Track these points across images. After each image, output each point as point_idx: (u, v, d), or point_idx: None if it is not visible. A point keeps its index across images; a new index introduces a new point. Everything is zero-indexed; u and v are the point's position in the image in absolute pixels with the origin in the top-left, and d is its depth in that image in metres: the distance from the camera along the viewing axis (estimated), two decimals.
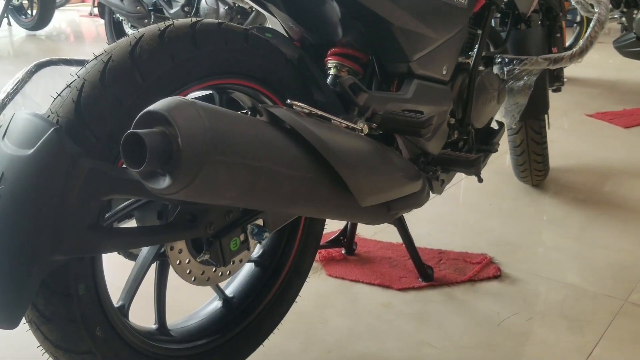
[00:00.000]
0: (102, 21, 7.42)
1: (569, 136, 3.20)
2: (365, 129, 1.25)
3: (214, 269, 1.26)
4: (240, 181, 0.92)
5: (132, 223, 1.22)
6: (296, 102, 1.08)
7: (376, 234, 2.12)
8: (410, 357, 1.52)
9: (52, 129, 0.95)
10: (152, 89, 1.06)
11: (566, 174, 2.68)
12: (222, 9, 3.75)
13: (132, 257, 1.29)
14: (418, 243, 1.89)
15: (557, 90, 2.36)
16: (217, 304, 1.41)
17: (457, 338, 1.59)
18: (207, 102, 0.95)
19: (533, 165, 2.36)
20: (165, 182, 0.86)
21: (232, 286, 1.44)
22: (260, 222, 1.22)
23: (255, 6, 1.47)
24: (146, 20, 4.05)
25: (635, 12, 3.73)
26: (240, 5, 3.72)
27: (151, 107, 0.87)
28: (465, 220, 2.27)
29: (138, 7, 4.04)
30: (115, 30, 4.61)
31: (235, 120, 0.93)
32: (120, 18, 4.47)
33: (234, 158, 0.90)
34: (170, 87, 1.09)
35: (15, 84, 1.24)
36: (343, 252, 1.98)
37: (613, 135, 3.22)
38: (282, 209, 1.08)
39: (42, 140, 0.95)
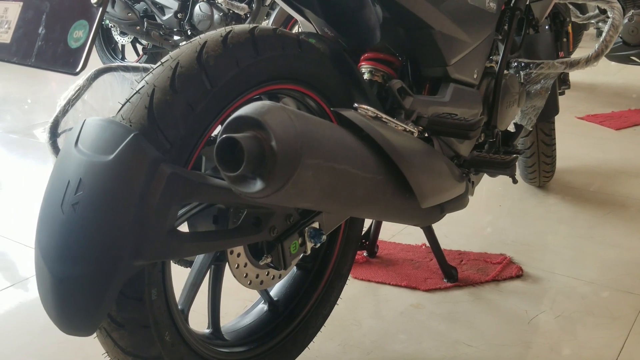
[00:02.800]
0: None
1: (564, 138, 3.27)
2: (416, 132, 1.27)
3: (267, 273, 1.27)
4: (323, 184, 0.94)
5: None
6: (363, 106, 1.10)
7: (394, 236, 2.15)
8: (448, 356, 1.54)
9: (132, 134, 0.95)
10: (220, 94, 1.07)
11: (567, 175, 2.74)
12: (217, 15, 3.75)
13: (183, 263, 1.29)
14: None
15: (562, 93, 2.42)
16: (263, 307, 1.42)
17: (490, 337, 1.62)
18: None
19: (542, 167, 2.41)
20: (257, 186, 0.87)
21: (275, 289, 1.45)
22: (316, 224, 1.23)
23: (290, 11, 1.49)
24: (138, 27, 4.03)
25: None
26: (236, 11, 3.73)
27: (242, 112, 0.88)
28: (477, 221, 2.30)
29: (129, 14, 4.01)
30: (103, 37, 4.57)
31: (319, 123, 0.95)
32: (110, 25, 4.44)
33: (321, 161, 0.91)
34: (235, 93, 1.10)
35: (76, 91, 1.24)
36: (365, 254, 2.00)
37: (606, 137, 3.30)
38: (351, 211, 1.09)
39: (122, 145, 0.95)
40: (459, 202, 1.36)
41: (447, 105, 1.46)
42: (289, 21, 3.67)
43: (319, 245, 1.23)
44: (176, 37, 4.08)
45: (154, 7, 4.02)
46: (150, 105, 1.02)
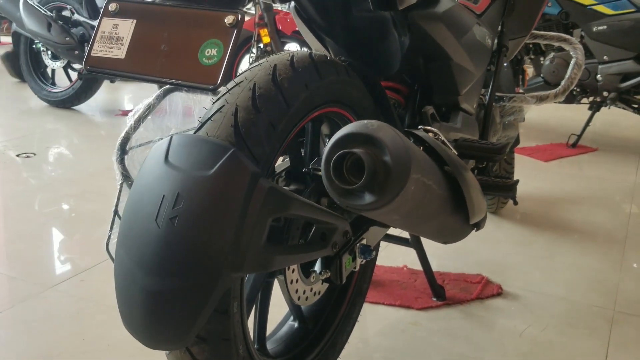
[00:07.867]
0: None
1: None
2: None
3: (310, 289, 1.32)
4: (416, 198, 1.01)
5: None
6: (426, 127, 1.18)
7: None
8: None
9: (232, 150, 0.99)
10: (295, 115, 1.12)
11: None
12: None
13: None
14: (414, 266, 2.02)
15: None
16: (293, 324, 1.45)
17: (491, 350, 1.72)
18: None
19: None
20: (366, 199, 0.93)
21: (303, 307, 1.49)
22: (364, 241, 1.29)
23: (310, 39, 1.56)
24: (76, 52, 3.93)
25: (542, 58, 4.15)
26: None
27: (352, 130, 0.94)
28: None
29: (67, 38, 3.91)
30: (32, 60, 4.42)
31: (409, 141, 1.02)
32: (41, 48, 4.31)
33: (420, 176, 0.98)
34: (302, 114, 1.16)
35: (146, 109, 1.24)
36: None
37: (538, 168, 3.55)
38: (420, 226, 1.16)
39: (222, 160, 0.98)
40: (485, 220, 1.47)
41: (460, 132, 1.57)
42: (237, 54, 3.71)
43: (366, 260, 1.29)
44: None
45: (92, 32, 3.94)
46: (236, 124, 1.05)
